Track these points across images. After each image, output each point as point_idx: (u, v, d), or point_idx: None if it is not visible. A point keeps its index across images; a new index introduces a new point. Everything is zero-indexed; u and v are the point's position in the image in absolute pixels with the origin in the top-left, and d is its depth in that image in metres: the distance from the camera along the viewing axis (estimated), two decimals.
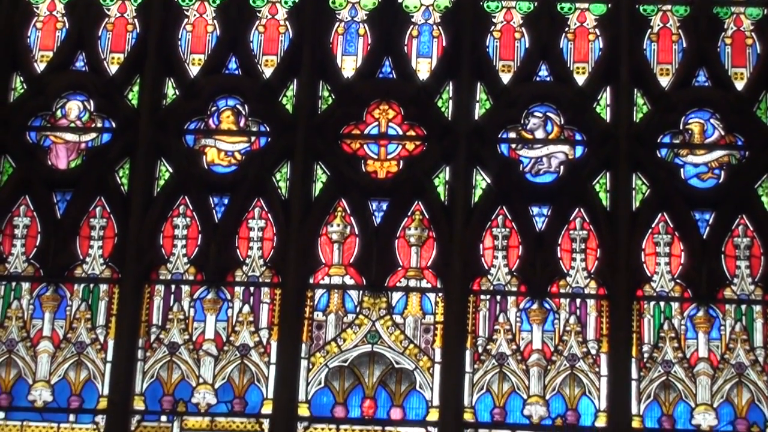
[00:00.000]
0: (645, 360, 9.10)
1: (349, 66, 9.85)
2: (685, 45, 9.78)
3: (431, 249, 9.40)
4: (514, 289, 9.29)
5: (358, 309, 9.31)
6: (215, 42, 9.94)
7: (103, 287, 9.40)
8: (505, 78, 9.74)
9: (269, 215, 9.49)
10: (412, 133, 9.67)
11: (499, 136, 9.60)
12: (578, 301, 9.24)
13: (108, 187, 9.57)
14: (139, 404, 9.18)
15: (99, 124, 9.79)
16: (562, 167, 9.51)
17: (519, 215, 9.40)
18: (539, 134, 9.62)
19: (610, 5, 9.86)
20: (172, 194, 9.56)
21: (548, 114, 9.66)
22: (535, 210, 9.41)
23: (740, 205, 9.38)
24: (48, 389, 9.23)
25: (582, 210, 9.42)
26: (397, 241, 9.42)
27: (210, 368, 9.22)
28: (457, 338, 9.14)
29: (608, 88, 9.68)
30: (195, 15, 10.03)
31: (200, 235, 9.46)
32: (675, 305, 9.23)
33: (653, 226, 9.38)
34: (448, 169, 9.52)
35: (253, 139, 9.71)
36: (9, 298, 9.43)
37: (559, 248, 9.32)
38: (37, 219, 9.55)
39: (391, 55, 9.83)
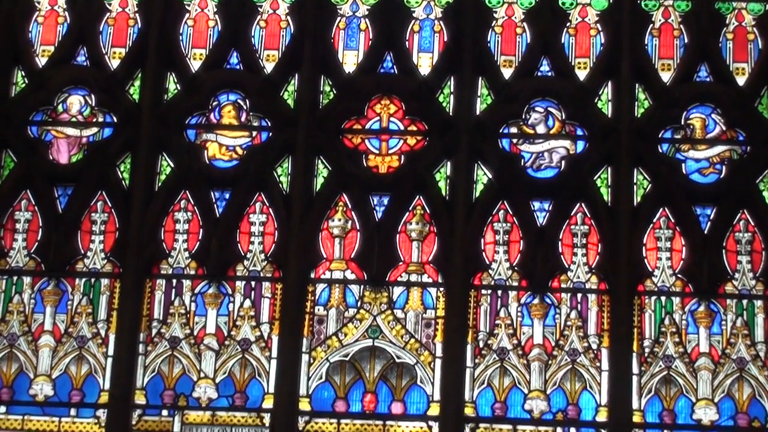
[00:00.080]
0: (646, 355, 9.09)
1: (350, 61, 9.84)
2: (686, 40, 9.76)
3: (432, 244, 9.39)
4: (515, 283, 9.28)
5: (359, 303, 9.31)
6: (216, 37, 9.93)
7: (105, 282, 9.39)
8: (507, 73, 9.72)
9: (270, 210, 9.49)
10: (413, 128, 9.66)
11: (501, 131, 9.58)
12: (579, 295, 9.23)
13: (109, 182, 9.57)
14: (140, 398, 9.18)
15: (100, 119, 9.78)
16: (563, 162, 9.50)
17: (520, 210, 9.39)
18: (540, 129, 9.61)
19: (611, 0, 9.86)
20: (174, 189, 9.56)
21: (549, 109, 9.64)
22: (536, 205, 9.40)
23: (741, 200, 9.36)
24: (49, 383, 9.23)
25: (583, 205, 9.40)
26: (398, 235, 9.41)
27: (211, 363, 9.22)
28: (458, 333, 9.13)
29: (609, 83, 9.66)
30: (196, 10, 10.02)
31: (201, 230, 9.46)
32: (676, 300, 9.21)
33: (654, 221, 9.36)
34: (449, 163, 9.51)
35: (254, 133, 9.70)
36: (10, 292, 9.43)
37: (560, 243, 9.30)
38: (39, 213, 9.54)
39: (392, 50, 9.81)
